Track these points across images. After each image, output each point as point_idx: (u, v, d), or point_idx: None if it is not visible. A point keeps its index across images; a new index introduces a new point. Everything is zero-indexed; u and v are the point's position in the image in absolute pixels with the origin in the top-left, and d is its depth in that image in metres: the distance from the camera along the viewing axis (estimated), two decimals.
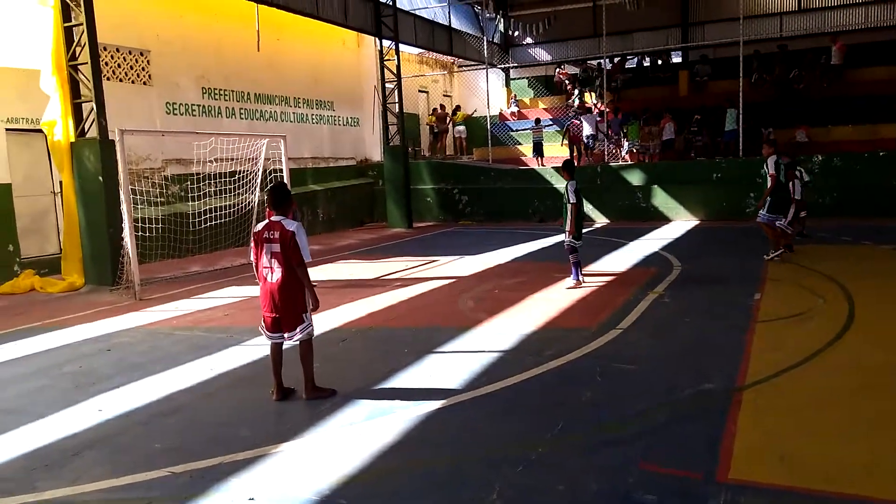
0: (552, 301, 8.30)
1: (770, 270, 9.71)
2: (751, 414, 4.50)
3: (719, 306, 7.78)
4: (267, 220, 5.10)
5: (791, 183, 10.73)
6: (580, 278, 9.11)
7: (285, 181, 11.95)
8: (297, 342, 5.12)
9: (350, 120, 20.35)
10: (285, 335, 5.10)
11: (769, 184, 10.13)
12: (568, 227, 9.02)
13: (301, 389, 5.21)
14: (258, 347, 6.35)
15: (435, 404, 4.91)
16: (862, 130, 17.45)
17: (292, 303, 5.01)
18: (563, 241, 9.22)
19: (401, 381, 5.53)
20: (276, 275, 4.99)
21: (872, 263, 10.26)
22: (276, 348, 5.18)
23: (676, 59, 24.98)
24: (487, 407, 4.89)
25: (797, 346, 5.95)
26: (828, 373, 5.29)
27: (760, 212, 10.42)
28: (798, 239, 11.67)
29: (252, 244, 5.13)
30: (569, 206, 8.99)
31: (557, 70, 25.38)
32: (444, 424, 4.59)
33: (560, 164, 17.77)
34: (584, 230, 9.40)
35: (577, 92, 22.46)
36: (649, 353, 6.08)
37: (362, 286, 9.94)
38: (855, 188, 15.36)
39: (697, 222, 16.46)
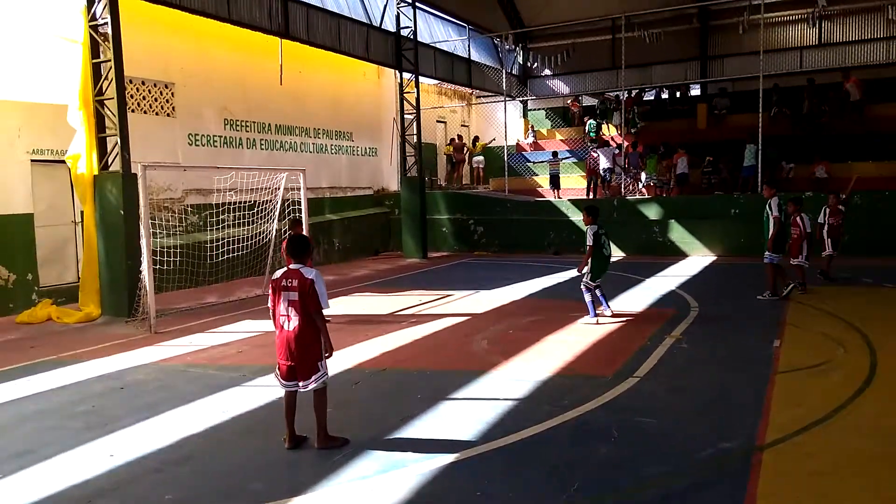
0: (568, 344, 8.21)
1: (790, 314, 9.56)
2: (770, 479, 4.38)
3: (738, 354, 7.65)
4: (286, 269, 5.11)
5: (800, 217, 10.96)
6: (597, 316, 9.26)
7: (303, 212, 12.06)
8: (312, 390, 5.10)
9: (368, 150, 20.52)
10: (300, 384, 5.08)
11: (773, 225, 10.44)
12: (585, 268, 9.17)
13: (314, 437, 5.17)
14: (270, 389, 6.32)
15: (448, 458, 4.84)
16: (884, 167, 17.28)
17: (308, 351, 5.00)
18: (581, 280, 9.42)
19: (414, 430, 5.47)
20: (292, 323, 4.99)
21: (893, 307, 10.06)
22: (291, 396, 5.16)
23: (695, 91, 24.99)
24: (502, 462, 4.81)
25: (817, 402, 5.82)
26: (849, 434, 5.15)
27: (767, 253, 10.61)
28: (822, 280, 11.58)
29: (270, 291, 5.14)
30: (586, 248, 9.15)
31: (570, 101, 25.54)
32: (456, 481, 4.52)
33: (577, 198, 17.83)
34: (604, 270, 9.41)
35: (590, 123, 22.50)
36: (667, 405, 5.98)
37: (376, 322, 9.92)
38: (877, 227, 15.15)
39: (714, 258, 16.31)
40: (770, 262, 10.65)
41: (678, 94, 24.27)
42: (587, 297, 9.29)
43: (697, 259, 16.22)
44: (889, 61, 20.87)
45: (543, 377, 6.85)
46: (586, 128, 22.59)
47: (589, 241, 9.11)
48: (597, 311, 9.32)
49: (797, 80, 21.19)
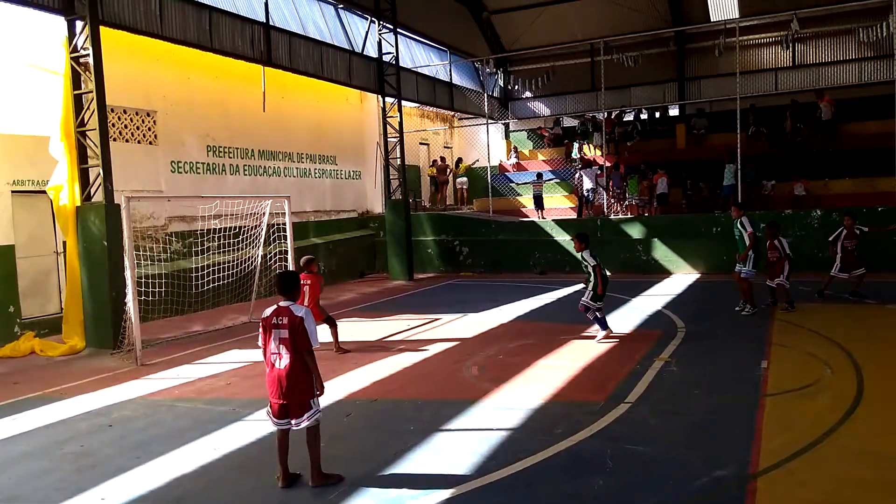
0: (558, 368, 8.24)
1: (776, 334, 9.69)
2: None
3: (727, 376, 7.72)
4: (275, 307, 5.09)
5: (777, 241, 11.38)
6: (609, 329, 9.67)
7: (288, 238, 12.03)
8: (305, 428, 5.06)
9: (352, 173, 20.56)
10: (293, 422, 5.04)
11: (748, 241, 10.98)
12: (596, 289, 9.49)
13: (307, 474, 5.12)
14: (261, 424, 6.26)
15: (443, 494, 4.82)
16: (860, 183, 17.66)
17: (299, 390, 4.96)
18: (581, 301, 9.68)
19: (408, 464, 5.43)
20: (283, 361, 4.96)
21: (877, 325, 10.22)
22: (283, 435, 5.11)
23: (674, 112, 25.41)
24: (497, 498, 4.80)
25: (807, 426, 5.88)
26: (841, 459, 5.20)
27: (743, 267, 11.14)
28: (851, 298, 11.91)
29: (260, 330, 5.11)
30: (591, 269, 9.47)
31: (539, 127, 25.92)
32: None
33: (561, 218, 18.00)
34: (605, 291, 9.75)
35: (575, 144, 22.85)
36: (659, 432, 6.00)
37: (365, 350, 9.87)
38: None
39: (698, 276, 16.49)
40: (747, 276, 11.09)
41: (657, 115, 24.66)
42: (590, 316, 9.65)
43: (681, 277, 16.39)
44: (860, 82, 21.40)
45: (535, 405, 6.85)
46: (574, 150, 22.89)
47: (591, 262, 9.43)
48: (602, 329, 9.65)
49: (773, 100, 21.67)
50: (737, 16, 21.69)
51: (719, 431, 5.95)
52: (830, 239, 12.30)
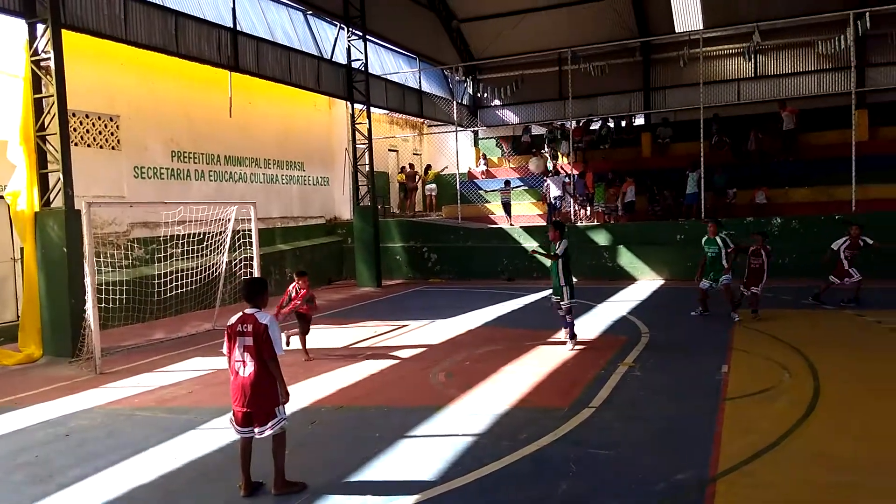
0: (524, 375, 8.28)
1: (736, 339, 9.89)
2: None
3: (689, 380, 7.85)
4: (241, 314, 5.03)
5: (765, 249, 11.43)
6: (576, 336, 9.76)
7: (254, 245, 11.91)
8: (271, 435, 5.00)
9: (320, 179, 20.44)
10: (256, 430, 4.98)
11: (726, 258, 11.27)
12: (570, 283, 9.63)
13: (270, 483, 5.06)
14: (223, 432, 6.17)
15: (407, 501, 4.81)
16: (818, 192, 18.14)
17: (264, 398, 4.92)
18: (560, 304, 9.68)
19: (373, 472, 5.41)
20: (248, 369, 4.91)
21: (833, 330, 10.49)
22: (246, 443, 5.05)
23: (640, 121, 25.84)
24: (462, 503, 4.80)
25: (766, 429, 6.01)
26: (798, 462, 5.32)
27: (725, 276, 11.28)
28: (849, 304, 12.07)
29: (225, 338, 5.05)
30: (559, 254, 9.47)
31: (499, 139, 26.20)
32: None
33: (529, 224, 18.08)
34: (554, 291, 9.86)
35: (547, 152, 23.15)
36: (622, 436, 6.07)
37: (332, 357, 9.80)
38: (813, 251, 15.80)
39: (662, 282, 16.75)
40: (727, 282, 11.28)
41: (623, 124, 25.06)
42: (569, 318, 9.65)
43: (646, 283, 16.63)
44: (819, 93, 22.03)
45: (501, 410, 6.89)
46: (548, 160, 23.15)
47: (559, 251, 9.45)
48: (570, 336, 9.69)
49: (736, 110, 22.18)
50: (701, 27, 22.17)
51: (680, 435, 6.05)
52: (833, 246, 12.18)
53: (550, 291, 10.09)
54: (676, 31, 23.18)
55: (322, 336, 11.22)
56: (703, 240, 11.59)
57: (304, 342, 9.62)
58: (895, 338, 9.83)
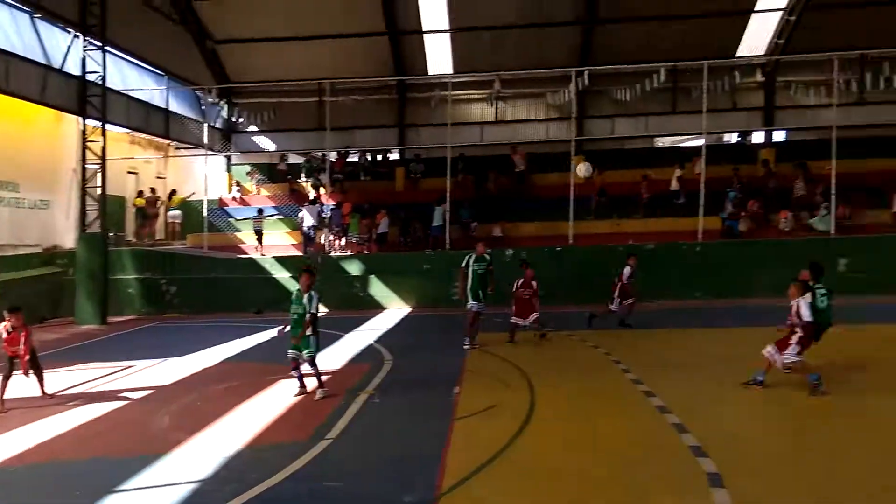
0: (263, 411, 7.90)
1: (469, 361, 10.49)
2: None
3: (424, 404, 8.13)
4: None
5: (534, 279, 12.10)
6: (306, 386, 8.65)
7: None
8: None
9: (39, 203, 17.74)
10: None
11: (473, 278, 11.42)
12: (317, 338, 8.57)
13: None
14: None
15: None
16: (544, 227, 20.35)
17: None
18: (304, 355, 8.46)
19: None
20: None
21: (550, 350, 11.57)
22: None
23: (394, 156, 26.86)
24: None
25: (487, 443, 6.41)
26: (513, 474, 5.74)
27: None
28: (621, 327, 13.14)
29: None
30: (311, 312, 8.33)
31: (250, 171, 25.63)
32: None
33: (281, 255, 17.44)
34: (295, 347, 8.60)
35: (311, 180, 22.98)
36: (356, 466, 6.04)
37: (33, 407, 8.39)
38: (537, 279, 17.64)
39: (410, 310, 17.36)
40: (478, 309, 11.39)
41: (379, 158, 25.83)
42: (312, 370, 8.46)
43: (394, 311, 17.10)
44: (546, 139, 24.89)
45: (233, 451, 6.45)
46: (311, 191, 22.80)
47: (314, 308, 8.32)
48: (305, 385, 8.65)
49: (479, 150, 24.11)
50: (451, 72, 23.84)
51: (413, 458, 6.19)
52: (619, 275, 13.09)
53: (291, 348, 8.50)
54: (430, 73, 24.63)
55: (23, 384, 9.56)
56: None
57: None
58: (595, 353, 11.09)
